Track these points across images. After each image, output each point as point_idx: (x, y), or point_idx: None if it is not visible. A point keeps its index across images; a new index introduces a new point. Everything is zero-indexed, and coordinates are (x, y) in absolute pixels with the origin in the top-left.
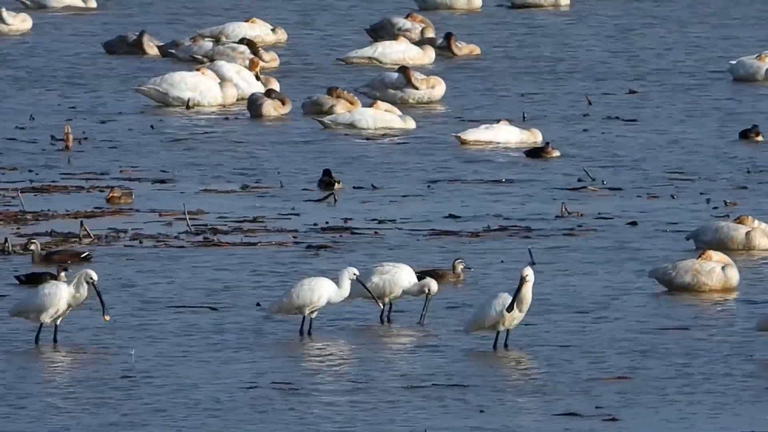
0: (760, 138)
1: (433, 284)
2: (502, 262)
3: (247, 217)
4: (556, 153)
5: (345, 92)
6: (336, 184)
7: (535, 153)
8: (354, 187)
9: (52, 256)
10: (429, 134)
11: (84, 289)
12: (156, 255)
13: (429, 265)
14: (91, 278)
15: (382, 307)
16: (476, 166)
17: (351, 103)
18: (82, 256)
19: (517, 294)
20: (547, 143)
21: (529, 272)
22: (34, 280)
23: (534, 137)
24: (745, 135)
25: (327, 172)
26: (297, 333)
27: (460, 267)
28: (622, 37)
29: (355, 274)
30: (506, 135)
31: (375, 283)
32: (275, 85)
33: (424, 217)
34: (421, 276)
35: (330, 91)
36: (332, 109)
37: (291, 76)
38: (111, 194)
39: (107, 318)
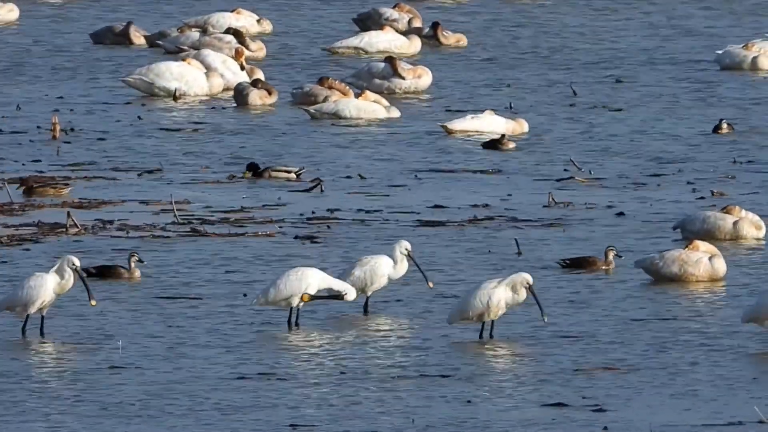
0: (725, 129)
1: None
2: (489, 252)
3: (234, 207)
4: (512, 145)
5: (336, 82)
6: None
7: (491, 145)
8: (342, 177)
9: None
10: (414, 124)
11: (69, 275)
12: (142, 245)
13: (579, 253)
14: (74, 264)
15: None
16: (463, 155)
17: (343, 93)
18: None
19: (539, 303)
20: (503, 135)
21: (529, 278)
22: (104, 272)
23: (520, 127)
24: (715, 130)
25: (252, 165)
26: (284, 323)
27: (611, 254)
28: (609, 26)
29: (345, 292)
30: (492, 124)
31: (357, 276)
32: (260, 75)
33: (409, 207)
34: (564, 264)
35: (321, 81)
36: (327, 99)
37: (276, 66)
38: (23, 184)
39: (93, 303)
